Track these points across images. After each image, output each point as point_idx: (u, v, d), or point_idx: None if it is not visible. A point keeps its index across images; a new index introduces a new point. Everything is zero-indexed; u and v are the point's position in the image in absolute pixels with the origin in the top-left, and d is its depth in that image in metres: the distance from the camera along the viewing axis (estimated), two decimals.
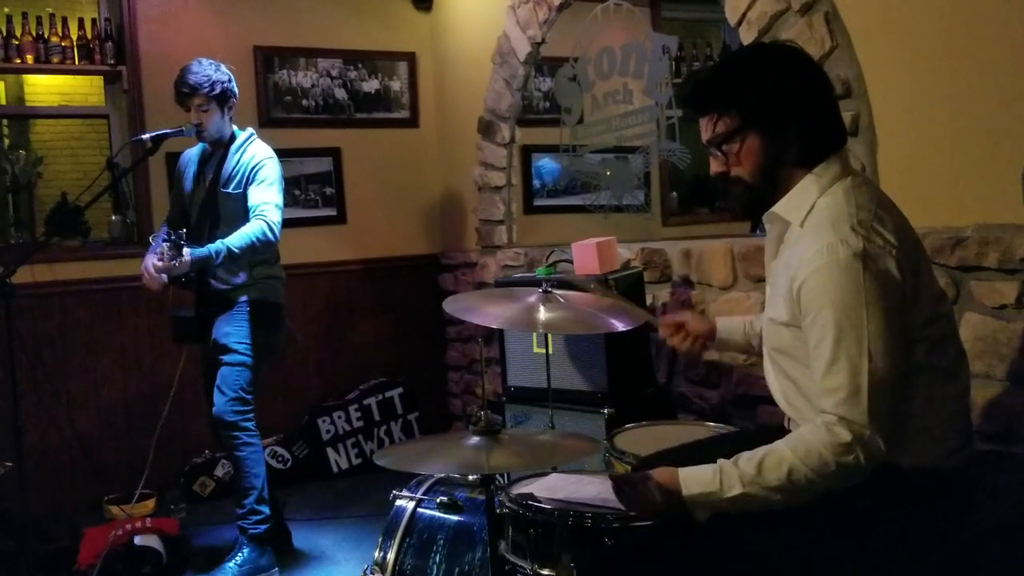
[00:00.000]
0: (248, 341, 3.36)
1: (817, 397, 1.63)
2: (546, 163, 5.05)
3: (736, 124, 1.74)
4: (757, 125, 1.73)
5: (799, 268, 1.65)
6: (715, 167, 1.81)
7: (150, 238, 3.40)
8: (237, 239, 3.18)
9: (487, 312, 2.44)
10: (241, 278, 3.38)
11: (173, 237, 3.03)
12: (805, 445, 1.58)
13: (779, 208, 1.78)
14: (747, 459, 1.62)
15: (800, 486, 1.58)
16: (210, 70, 3.30)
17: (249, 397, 3.39)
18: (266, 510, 3.42)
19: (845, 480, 1.58)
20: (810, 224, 1.70)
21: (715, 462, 1.64)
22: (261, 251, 3.27)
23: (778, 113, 1.72)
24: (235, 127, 3.44)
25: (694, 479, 1.64)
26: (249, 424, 3.38)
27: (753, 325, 2.16)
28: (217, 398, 3.34)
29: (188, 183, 3.48)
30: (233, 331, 3.35)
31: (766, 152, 1.74)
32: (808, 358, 1.67)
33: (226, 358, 3.35)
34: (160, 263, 3.05)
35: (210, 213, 3.39)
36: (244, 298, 3.38)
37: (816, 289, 1.61)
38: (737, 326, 2.20)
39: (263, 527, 3.39)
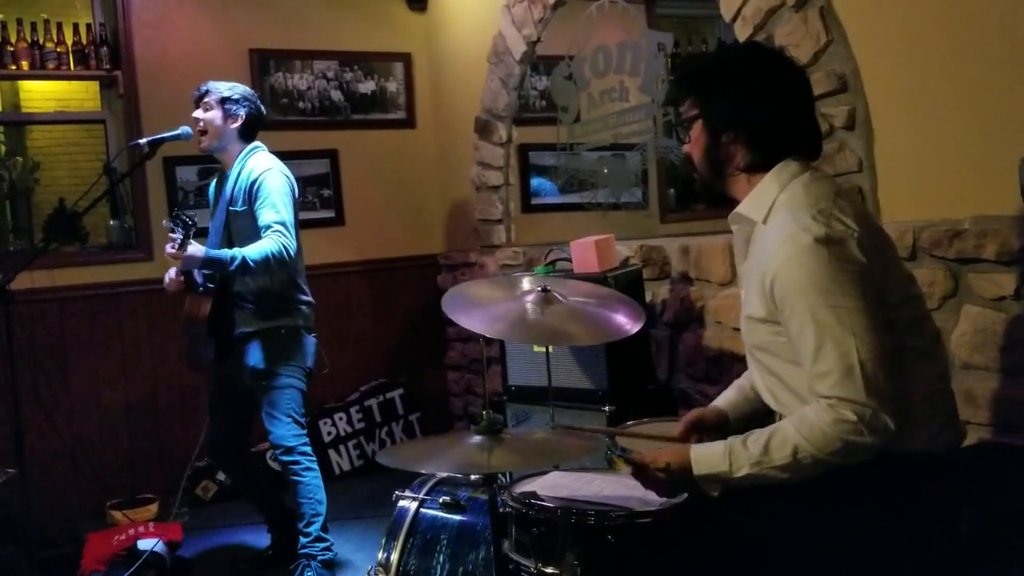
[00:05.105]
0: (292, 363, 3.27)
1: (811, 386, 1.64)
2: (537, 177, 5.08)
3: (693, 113, 1.86)
4: (709, 120, 1.83)
5: (768, 263, 1.69)
6: (685, 145, 1.93)
7: (163, 222, 3.14)
8: (254, 251, 3.08)
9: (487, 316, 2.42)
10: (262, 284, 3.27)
11: (184, 217, 2.94)
12: (809, 424, 1.60)
13: (742, 208, 1.83)
14: (755, 439, 1.65)
15: (807, 464, 1.60)
16: (228, 84, 3.32)
17: (303, 420, 3.30)
18: (330, 537, 3.36)
19: (854, 456, 1.59)
20: (772, 220, 1.75)
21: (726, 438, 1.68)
22: (274, 268, 3.15)
23: (730, 118, 1.80)
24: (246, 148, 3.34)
25: (704, 460, 1.69)
26: (308, 449, 3.30)
27: (743, 389, 2.04)
28: (273, 425, 3.25)
29: (210, 206, 3.46)
30: (273, 354, 3.25)
31: (707, 148, 1.85)
32: (789, 353, 1.70)
33: (271, 382, 3.25)
34: (172, 250, 2.95)
35: (223, 233, 3.33)
36: (273, 324, 3.27)
37: (787, 280, 1.65)
38: (738, 397, 2.04)
39: (330, 554, 3.34)
